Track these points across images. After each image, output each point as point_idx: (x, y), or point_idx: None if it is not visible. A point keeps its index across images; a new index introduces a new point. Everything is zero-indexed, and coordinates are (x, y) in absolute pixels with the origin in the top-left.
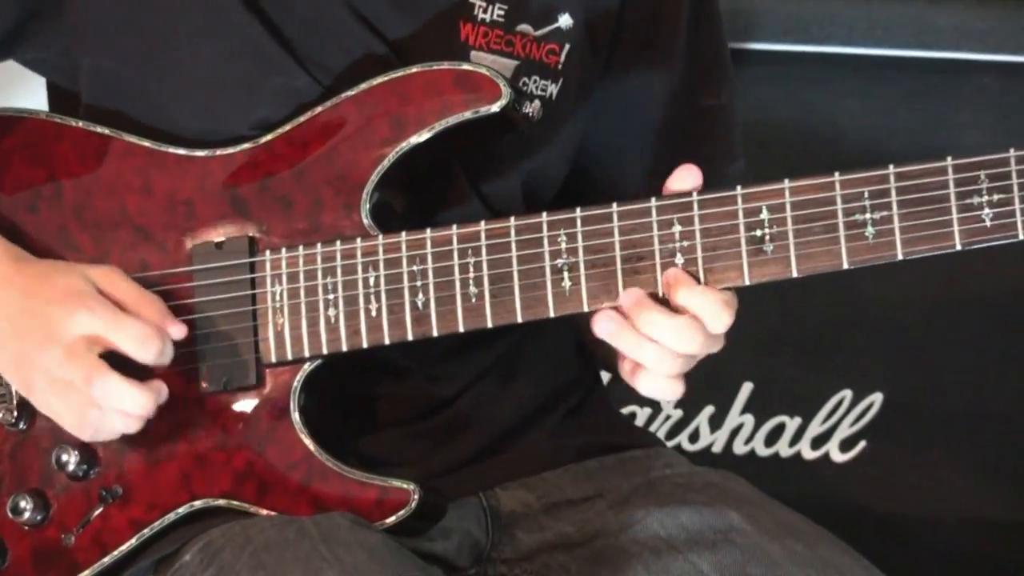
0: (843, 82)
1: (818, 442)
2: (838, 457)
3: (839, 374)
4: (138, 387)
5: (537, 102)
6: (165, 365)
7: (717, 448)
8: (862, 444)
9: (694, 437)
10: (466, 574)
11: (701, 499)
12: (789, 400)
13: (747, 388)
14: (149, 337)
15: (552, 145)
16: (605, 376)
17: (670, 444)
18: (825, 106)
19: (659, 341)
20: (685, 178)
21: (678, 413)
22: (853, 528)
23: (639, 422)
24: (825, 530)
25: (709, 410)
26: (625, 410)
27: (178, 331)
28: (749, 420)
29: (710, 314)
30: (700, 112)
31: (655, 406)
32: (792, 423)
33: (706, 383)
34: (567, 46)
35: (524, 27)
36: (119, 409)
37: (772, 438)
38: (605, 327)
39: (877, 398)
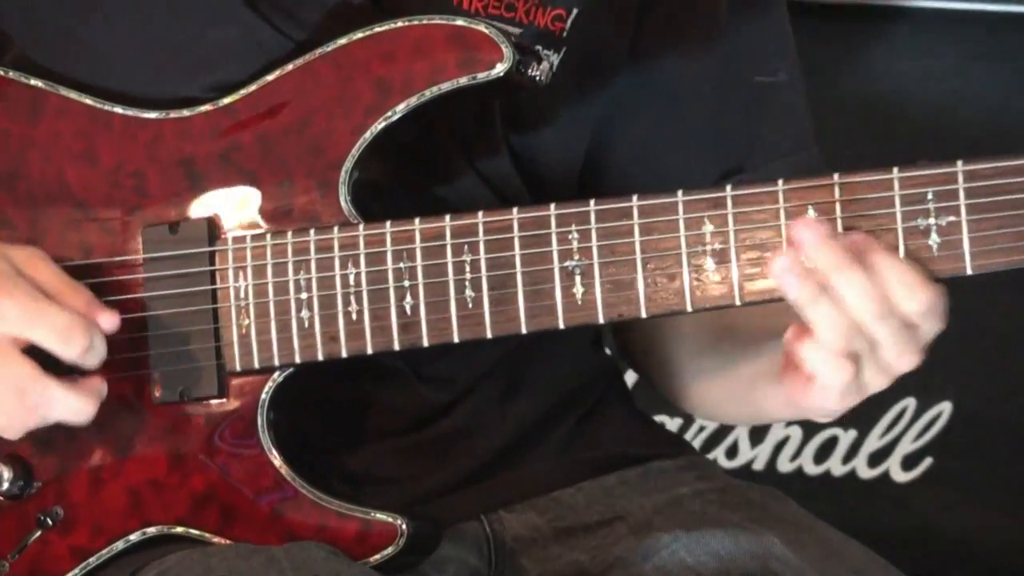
0: (907, 39)
1: (877, 459)
2: (900, 476)
3: (901, 381)
4: (77, 392)
5: (546, 63)
6: (94, 365)
7: (759, 465)
8: (928, 461)
9: (732, 452)
10: None
11: (736, 520)
12: None
13: None
14: (73, 328)
15: (546, 122)
16: (631, 378)
17: None
18: (887, 67)
19: (843, 296)
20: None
21: (714, 424)
22: (917, 558)
23: None
24: (882, 560)
25: None
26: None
27: (108, 320)
28: (796, 432)
29: (903, 287)
30: (752, 91)
31: (687, 416)
32: (846, 436)
33: None
34: (574, 11)
35: None
36: (59, 419)
37: (823, 454)
38: (781, 265)
39: (945, 408)
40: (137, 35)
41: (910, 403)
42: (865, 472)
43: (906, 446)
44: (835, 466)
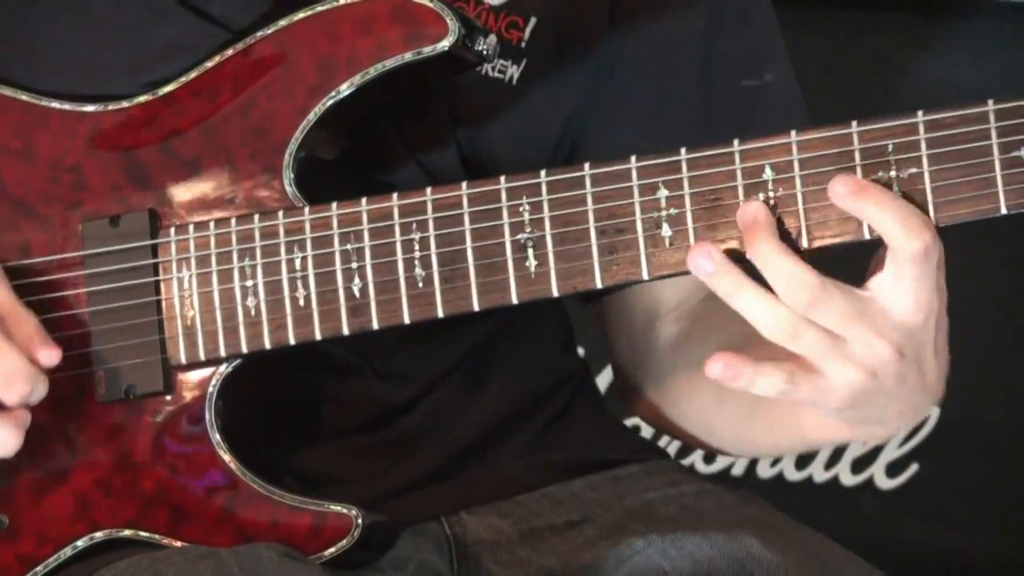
0: (904, 30)
1: (860, 465)
2: (884, 483)
3: None
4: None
5: (493, 36)
6: (33, 403)
7: (737, 471)
8: (913, 468)
9: (710, 457)
10: None
11: (713, 523)
12: None
13: None
14: (15, 376)
15: (504, 136)
16: (603, 381)
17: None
18: (883, 58)
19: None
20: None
21: None
22: (901, 567)
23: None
24: (863, 561)
25: None
26: (628, 422)
27: (48, 356)
28: None
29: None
30: (739, 96)
31: None
32: None
33: None
34: (532, 19)
35: None
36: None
37: (804, 459)
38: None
39: (931, 413)
40: (76, 34)
41: None
42: (848, 479)
43: (891, 452)
44: (817, 472)
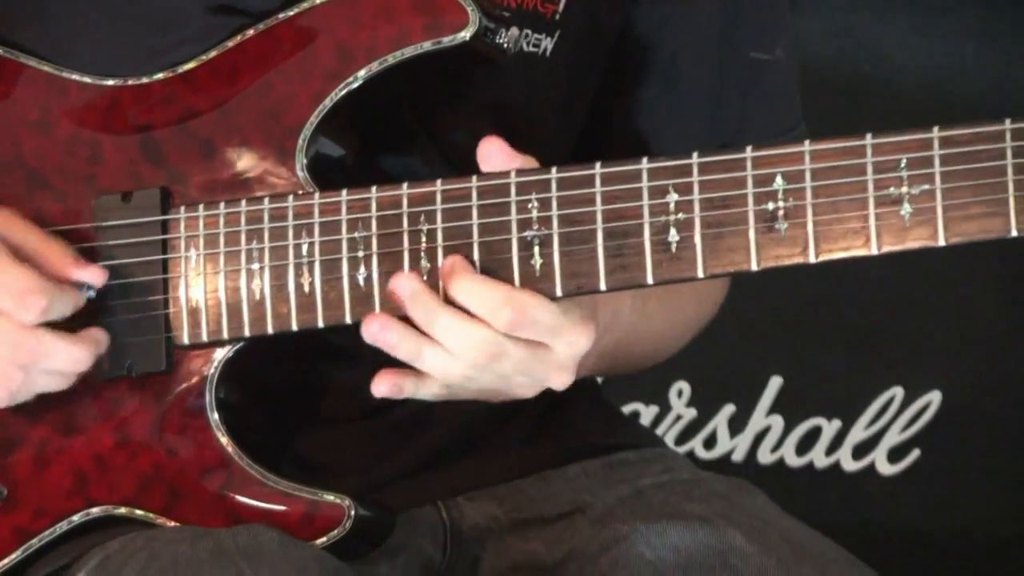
0: (901, 15)
1: (861, 451)
2: (885, 469)
3: (888, 368)
4: (73, 341)
5: (515, 29)
6: (67, 314)
7: (738, 456)
8: (915, 453)
9: (710, 443)
10: None
11: (699, 513)
12: (826, 399)
13: (775, 383)
14: (29, 292)
15: (538, 110)
16: None
17: (681, 451)
18: (880, 44)
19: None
20: (490, 154)
21: (691, 413)
22: (901, 554)
23: (643, 424)
24: (850, 556)
25: (729, 410)
26: (627, 408)
27: (95, 273)
28: (777, 422)
29: (487, 311)
30: (749, 68)
31: (663, 404)
32: (830, 427)
33: (725, 377)
34: None
35: None
36: (52, 370)
37: (805, 445)
38: (373, 329)
39: (934, 398)
40: (101, 8)
41: (897, 392)
42: (849, 464)
43: (892, 437)
44: (818, 458)
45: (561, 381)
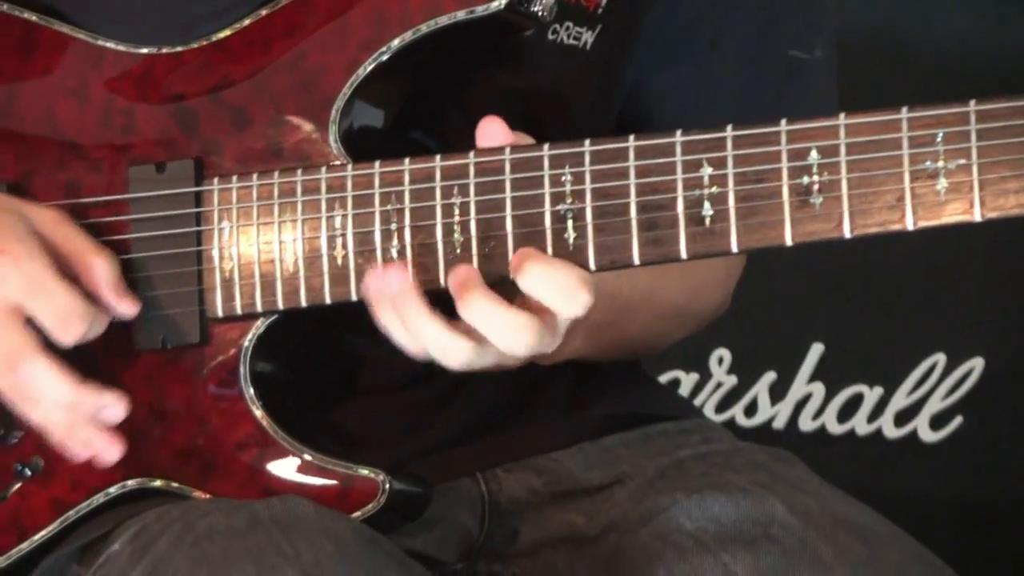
0: None
1: (904, 418)
2: (928, 436)
3: (930, 335)
4: (72, 383)
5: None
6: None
7: (779, 423)
8: (957, 420)
9: (751, 410)
10: (451, 568)
11: (740, 484)
12: (868, 366)
13: (816, 350)
14: (71, 316)
15: (572, 102)
16: None
17: (722, 418)
18: (922, 9)
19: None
20: (493, 133)
21: (732, 380)
22: (944, 523)
23: (683, 391)
24: (897, 528)
25: (770, 377)
26: (667, 376)
27: (129, 307)
28: (819, 390)
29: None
30: (786, 66)
31: (703, 371)
32: (872, 394)
33: (766, 344)
34: None
35: None
36: (50, 402)
37: (847, 412)
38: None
39: (976, 364)
40: None
41: (940, 359)
42: (891, 432)
43: (935, 404)
44: (860, 425)
45: (553, 347)
